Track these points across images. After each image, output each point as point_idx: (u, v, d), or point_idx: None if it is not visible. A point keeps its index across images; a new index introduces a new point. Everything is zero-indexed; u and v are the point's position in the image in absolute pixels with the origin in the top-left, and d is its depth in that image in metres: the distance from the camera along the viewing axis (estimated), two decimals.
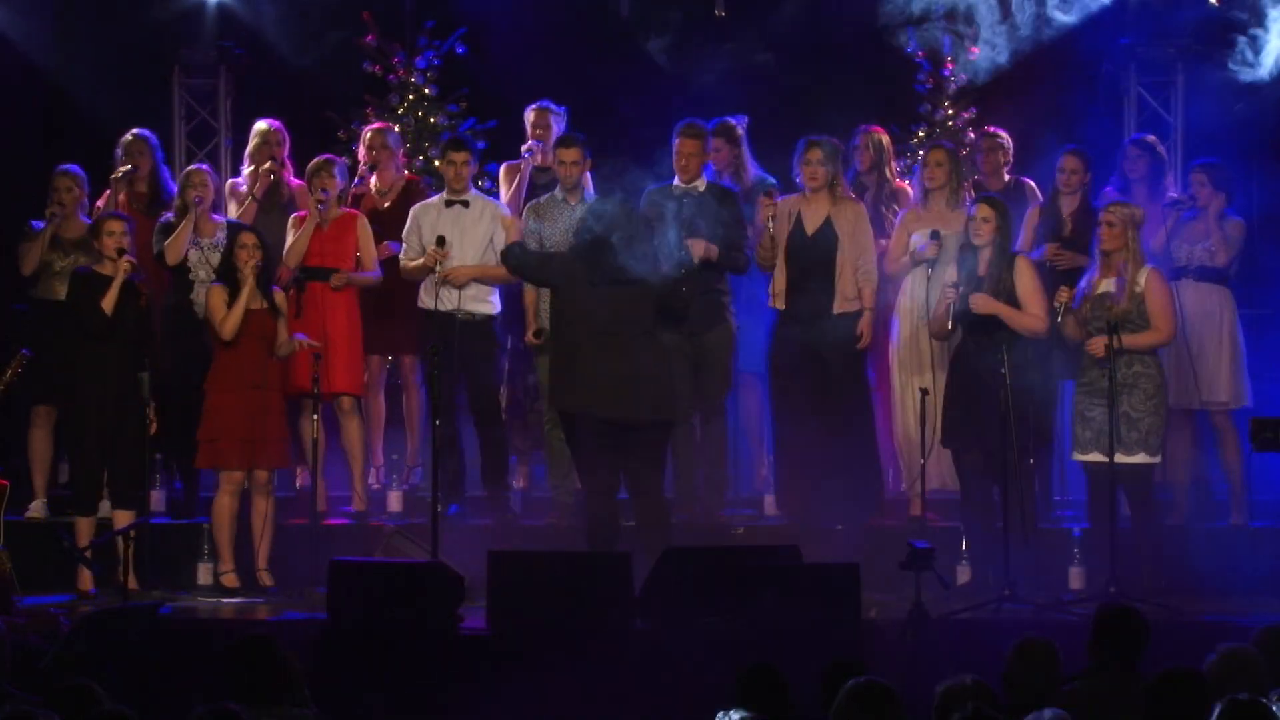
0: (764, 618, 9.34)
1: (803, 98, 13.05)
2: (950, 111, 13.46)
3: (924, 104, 13.53)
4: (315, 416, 11.10)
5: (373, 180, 12.23)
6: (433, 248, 11.42)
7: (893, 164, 12.26)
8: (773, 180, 11.91)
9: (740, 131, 11.89)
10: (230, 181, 12.47)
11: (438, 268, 11.39)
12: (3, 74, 13.24)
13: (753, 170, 11.96)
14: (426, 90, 13.55)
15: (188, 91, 13.73)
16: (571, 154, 11.58)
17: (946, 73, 13.44)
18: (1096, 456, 10.71)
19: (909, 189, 12.26)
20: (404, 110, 13.43)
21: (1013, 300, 10.76)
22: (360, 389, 11.83)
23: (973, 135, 13.21)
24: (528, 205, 11.78)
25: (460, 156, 11.65)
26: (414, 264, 11.59)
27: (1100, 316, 10.69)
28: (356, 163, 12.51)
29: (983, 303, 10.71)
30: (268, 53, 13.56)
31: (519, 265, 10.78)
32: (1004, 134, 12.35)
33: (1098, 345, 10.64)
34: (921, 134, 13.44)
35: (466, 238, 11.55)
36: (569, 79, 13.03)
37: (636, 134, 12.56)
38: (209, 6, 13.46)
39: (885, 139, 12.18)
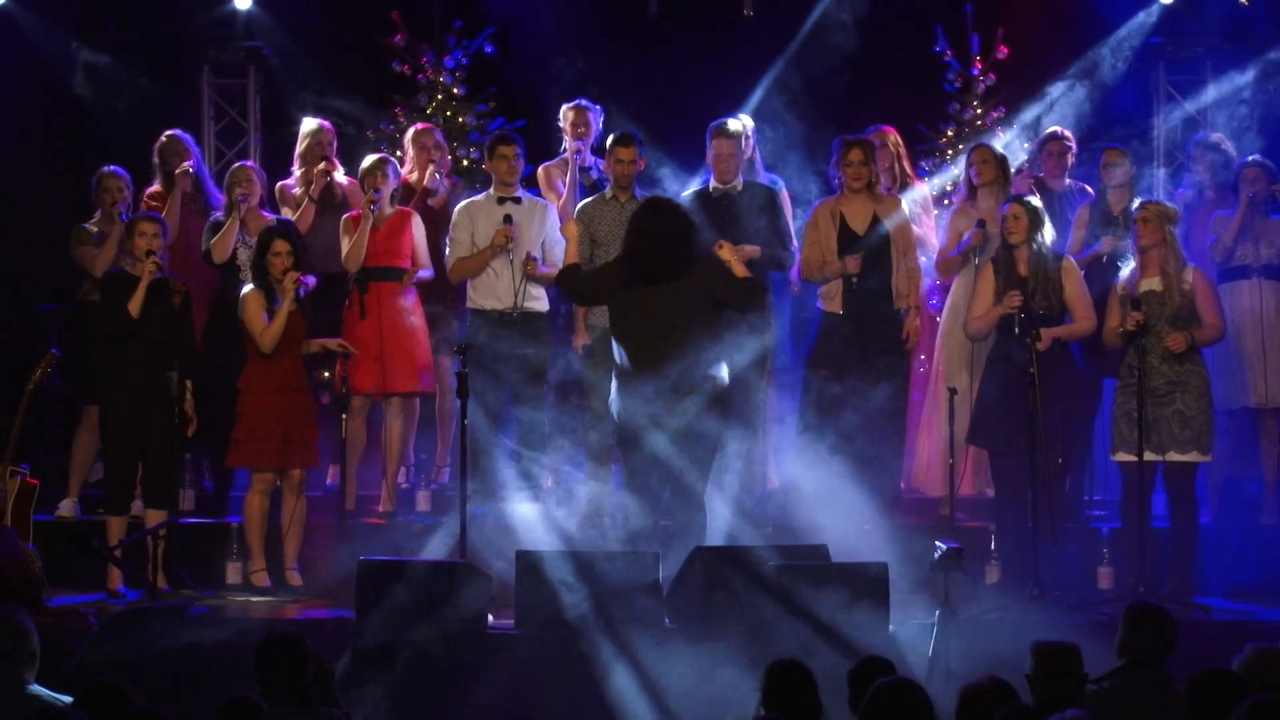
0: (792, 617, 9.34)
1: (830, 98, 13.02)
2: (979, 111, 13.45)
3: (952, 103, 13.52)
4: (344, 416, 11.13)
5: (413, 176, 12.17)
6: (501, 226, 11.39)
7: (907, 161, 12.22)
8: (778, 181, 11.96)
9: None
10: (280, 185, 12.42)
11: (510, 246, 11.36)
12: (31, 76, 13.28)
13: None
14: (455, 90, 13.56)
15: (217, 91, 13.78)
16: (629, 152, 11.56)
17: (975, 72, 13.44)
18: (1149, 455, 10.62)
19: (925, 186, 12.26)
20: (432, 110, 13.43)
21: (1060, 302, 10.77)
22: (431, 386, 11.88)
23: (1000, 134, 13.20)
24: (577, 208, 11.75)
25: (510, 150, 11.59)
26: (470, 260, 11.49)
27: (1155, 315, 10.64)
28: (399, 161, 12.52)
29: (1046, 337, 10.64)
30: (297, 52, 13.60)
31: (574, 289, 10.66)
32: (1069, 136, 12.28)
33: (1178, 341, 10.58)
34: (950, 133, 13.44)
35: (521, 235, 11.52)
36: (597, 79, 13.04)
37: (666, 134, 12.58)
38: (238, 7, 13.48)
39: (898, 137, 12.14)
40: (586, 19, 13.59)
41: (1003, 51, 13.45)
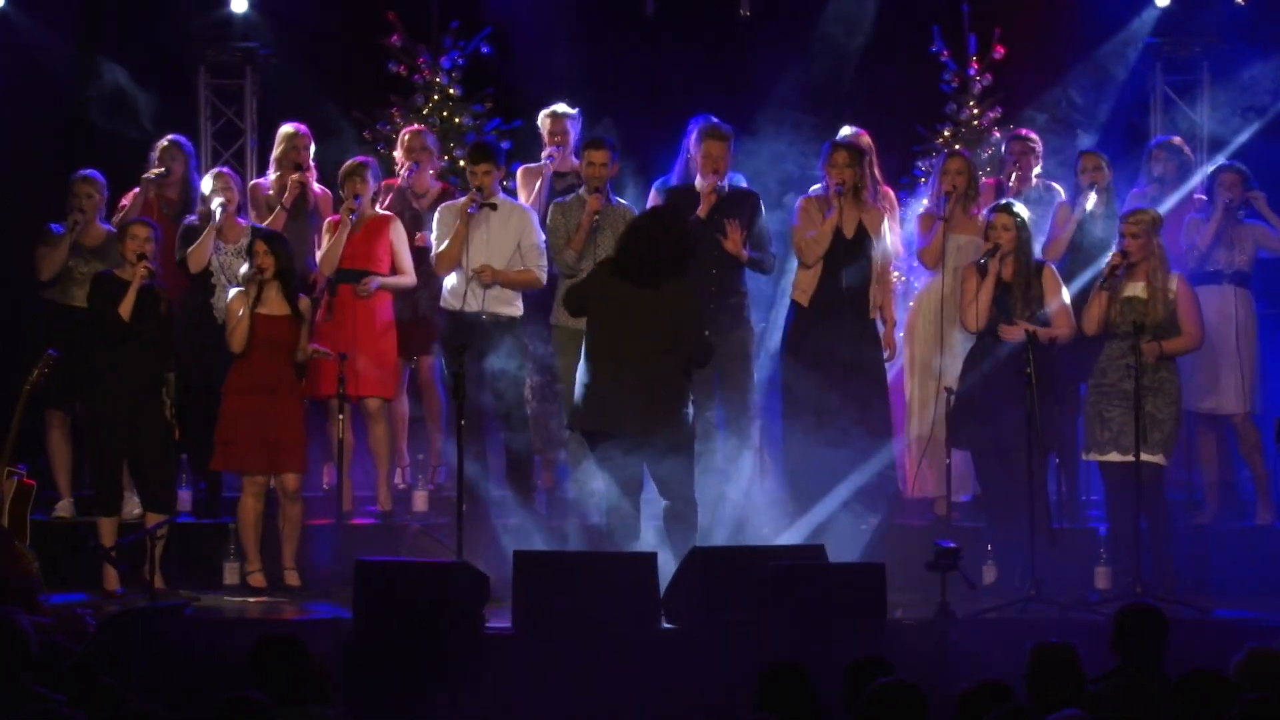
0: (789, 617, 9.34)
1: (827, 98, 13.03)
2: (975, 111, 13.45)
3: (949, 104, 13.52)
4: (341, 417, 11.13)
5: (402, 180, 12.17)
6: (471, 193, 11.37)
7: (877, 167, 12.14)
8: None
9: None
10: (254, 183, 12.43)
11: (476, 200, 11.28)
12: (28, 77, 13.25)
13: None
14: (451, 90, 13.55)
15: (213, 92, 13.75)
16: (601, 155, 11.55)
17: (972, 72, 13.44)
18: (1115, 456, 10.69)
19: (890, 191, 12.22)
20: (429, 110, 13.42)
21: (1040, 307, 10.79)
22: (390, 392, 11.82)
23: (997, 135, 13.21)
24: (553, 204, 11.75)
25: (481, 168, 11.45)
26: (449, 245, 11.35)
27: (1130, 319, 10.67)
28: (388, 163, 12.50)
29: (1016, 333, 10.69)
30: (294, 52, 13.59)
31: (579, 301, 10.58)
32: (1035, 137, 12.30)
33: (1152, 349, 10.60)
34: (947, 134, 13.44)
35: (494, 240, 11.49)
36: (593, 78, 13.04)
37: (660, 133, 12.58)
38: (234, 9, 13.46)
39: (870, 141, 12.10)
40: (583, 19, 13.59)
41: (1000, 51, 13.44)
